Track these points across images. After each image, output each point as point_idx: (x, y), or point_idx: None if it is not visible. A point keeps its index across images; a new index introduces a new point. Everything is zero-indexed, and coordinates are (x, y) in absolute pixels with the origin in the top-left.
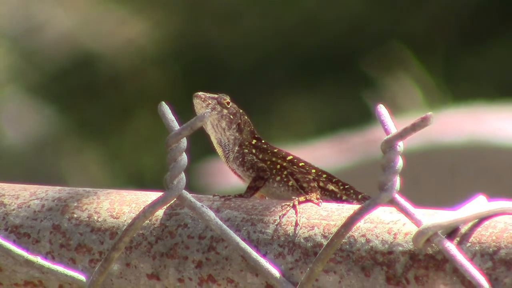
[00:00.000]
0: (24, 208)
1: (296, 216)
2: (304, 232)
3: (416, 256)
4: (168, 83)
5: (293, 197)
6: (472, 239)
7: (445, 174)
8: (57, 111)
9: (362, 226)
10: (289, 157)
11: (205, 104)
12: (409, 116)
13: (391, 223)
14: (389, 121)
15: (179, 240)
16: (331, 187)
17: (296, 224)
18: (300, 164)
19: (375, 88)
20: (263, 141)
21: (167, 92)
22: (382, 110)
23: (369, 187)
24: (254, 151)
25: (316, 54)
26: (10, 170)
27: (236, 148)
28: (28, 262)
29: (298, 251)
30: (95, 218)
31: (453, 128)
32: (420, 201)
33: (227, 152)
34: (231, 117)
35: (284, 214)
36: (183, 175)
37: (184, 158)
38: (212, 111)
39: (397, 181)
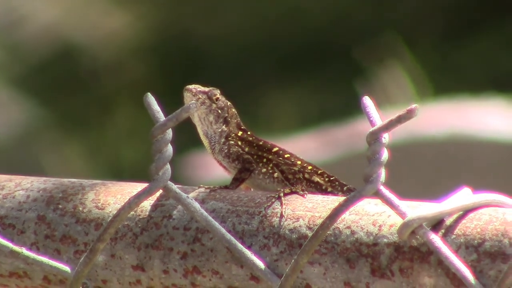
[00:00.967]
0: (9, 199)
1: (282, 207)
2: (289, 224)
3: (401, 248)
4: (150, 75)
5: (279, 189)
6: (457, 231)
7: (428, 168)
8: (39, 103)
9: (347, 218)
10: (275, 149)
11: (195, 98)
12: (394, 107)
13: (376, 215)
14: (374, 113)
15: (164, 232)
16: (316, 179)
17: (281, 216)
18: (286, 156)
19: (362, 79)
20: (249, 133)
21: (149, 84)
22: (368, 101)
23: (353, 180)
24: (240, 143)
25: (300, 46)
26: None
27: (222, 140)
28: (13, 253)
29: (283, 243)
30: (80, 209)
31: (436, 121)
32: (403, 194)
33: (213, 144)
34: (219, 111)
35: (269, 206)
36: (168, 166)
37: (169, 149)
38: (201, 105)
39: (382, 173)
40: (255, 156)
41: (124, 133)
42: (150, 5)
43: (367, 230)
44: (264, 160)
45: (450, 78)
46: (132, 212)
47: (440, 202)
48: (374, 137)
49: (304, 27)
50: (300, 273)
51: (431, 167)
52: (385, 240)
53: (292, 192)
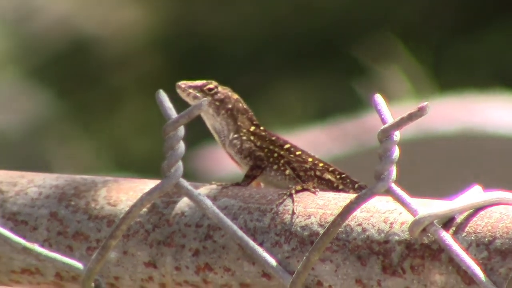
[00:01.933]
0: (22, 196)
1: (293, 205)
2: (300, 221)
3: (412, 246)
4: (161, 69)
5: (290, 186)
6: (467, 229)
7: (439, 164)
8: (50, 96)
9: (358, 215)
10: (287, 146)
11: (185, 93)
12: (401, 104)
13: (387, 212)
14: (385, 111)
15: (176, 228)
16: (327, 176)
17: (293, 213)
18: (297, 153)
19: (367, 76)
20: (261, 128)
21: (160, 77)
22: (379, 99)
23: (363, 174)
24: (252, 138)
25: (309, 41)
26: (2, 155)
27: (232, 134)
28: (26, 250)
29: (295, 240)
30: (93, 205)
31: (446, 117)
32: (414, 191)
33: (222, 138)
34: (217, 103)
35: (281, 203)
36: (180, 163)
37: (181, 146)
38: (193, 100)
39: (394, 171)
40: (266, 150)
41: (134, 126)
42: None
43: (378, 227)
44: (275, 155)
45: (459, 74)
46: (144, 209)
47: (451, 200)
48: (385, 135)
49: (313, 23)
50: (312, 270)
51: (441, 162)
52: (396, 237)
53: (303, 189)
